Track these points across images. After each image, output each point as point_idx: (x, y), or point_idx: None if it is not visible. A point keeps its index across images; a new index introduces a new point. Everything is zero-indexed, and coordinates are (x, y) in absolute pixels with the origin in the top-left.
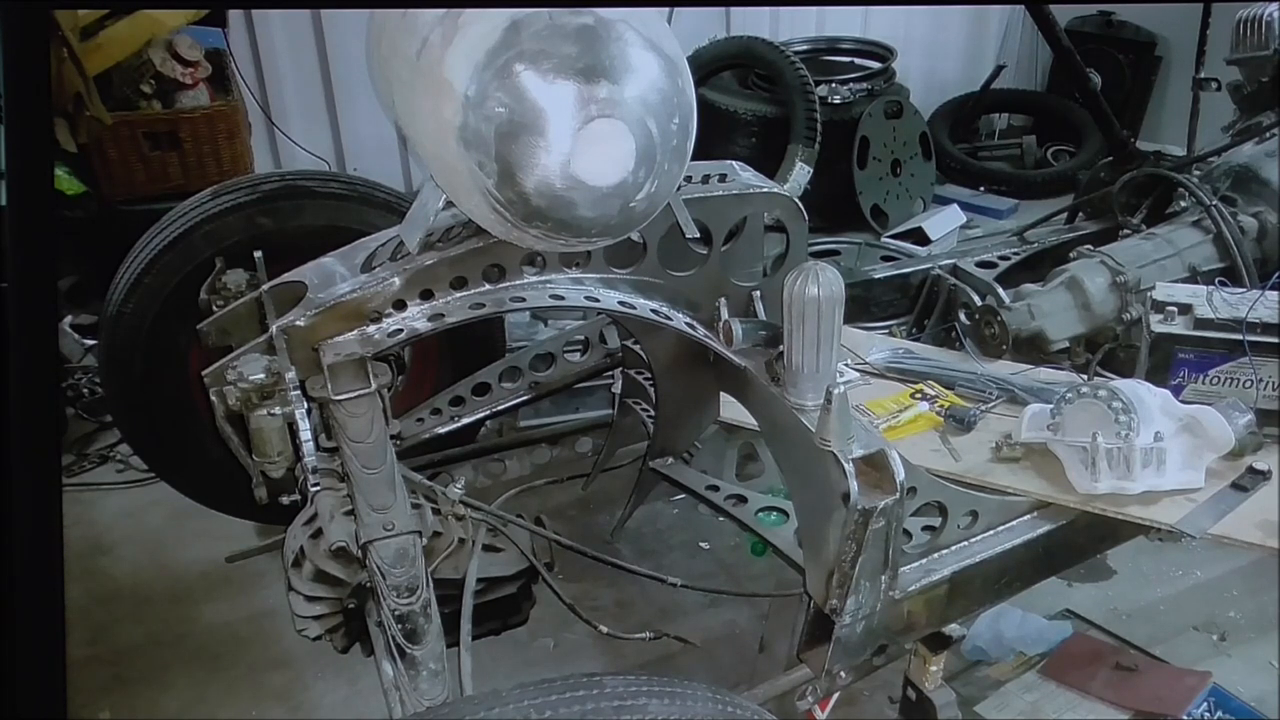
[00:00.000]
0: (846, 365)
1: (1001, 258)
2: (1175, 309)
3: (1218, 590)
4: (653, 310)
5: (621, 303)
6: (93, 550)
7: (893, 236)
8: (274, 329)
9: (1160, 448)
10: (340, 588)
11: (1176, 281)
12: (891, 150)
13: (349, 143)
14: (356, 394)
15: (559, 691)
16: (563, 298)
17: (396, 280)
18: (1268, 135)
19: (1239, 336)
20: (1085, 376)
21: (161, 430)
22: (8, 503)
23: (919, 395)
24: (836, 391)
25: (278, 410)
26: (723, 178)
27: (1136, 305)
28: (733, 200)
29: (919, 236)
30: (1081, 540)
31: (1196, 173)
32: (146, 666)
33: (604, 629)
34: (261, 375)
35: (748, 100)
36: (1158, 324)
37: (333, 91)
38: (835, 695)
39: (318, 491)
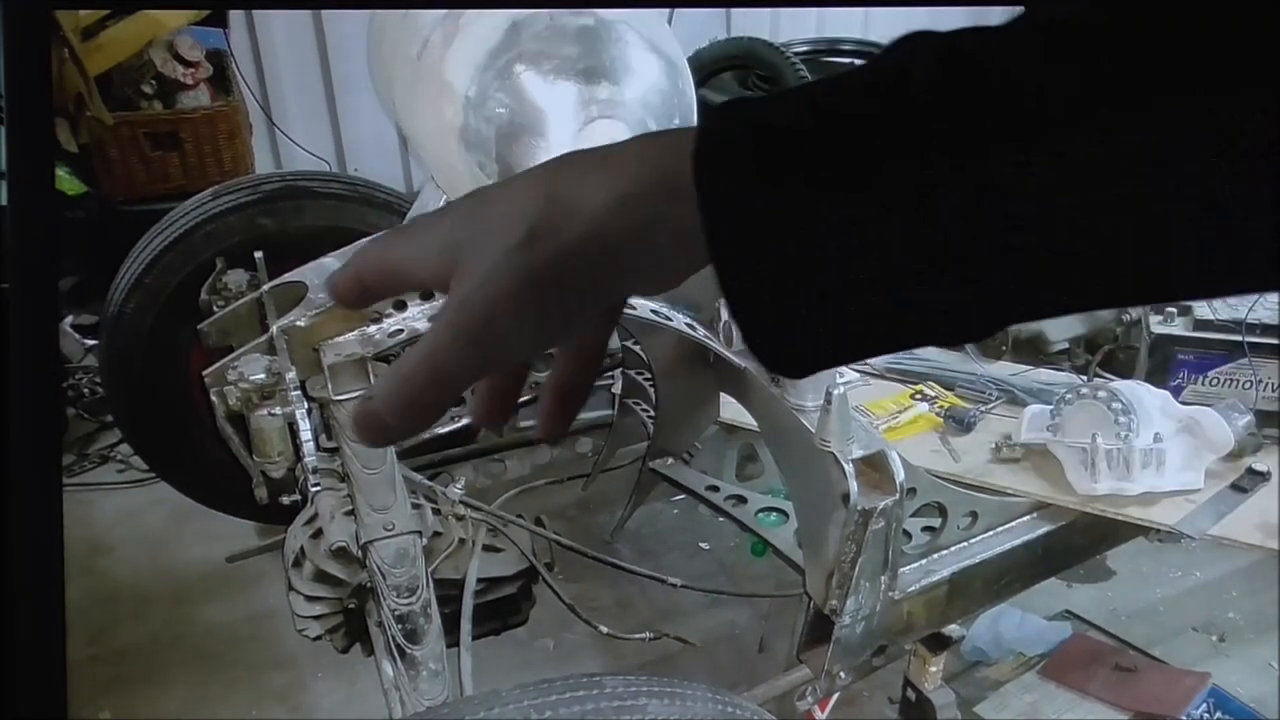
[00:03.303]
0: (847, 365)
1: None
2: (1175, 310)
3: (1217, 591)
4: (653, 311)
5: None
6: (93, 550)
7: None
8: (275, 329)
9: (1160, 449)
10: (340, 588)
11: None
12: None
13: (350, 143)
14: (357, 394)
15: (559, 691)
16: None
17: None
18: None
19: (1239, 338)
20: (1085, 378)
21: (161, 430)
22: (8, 503)
23: (919, 396)
24: (836, 392)
25: (278, 410)
26: None
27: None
28: None
29: None
30: (1081, 541)
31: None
32: (146, 666)
33: (604, 629)
34: (262, 375)
35: None
36: (1157, 325)
37: (333, 92)
38: (835, 696)
39: (318, 491)
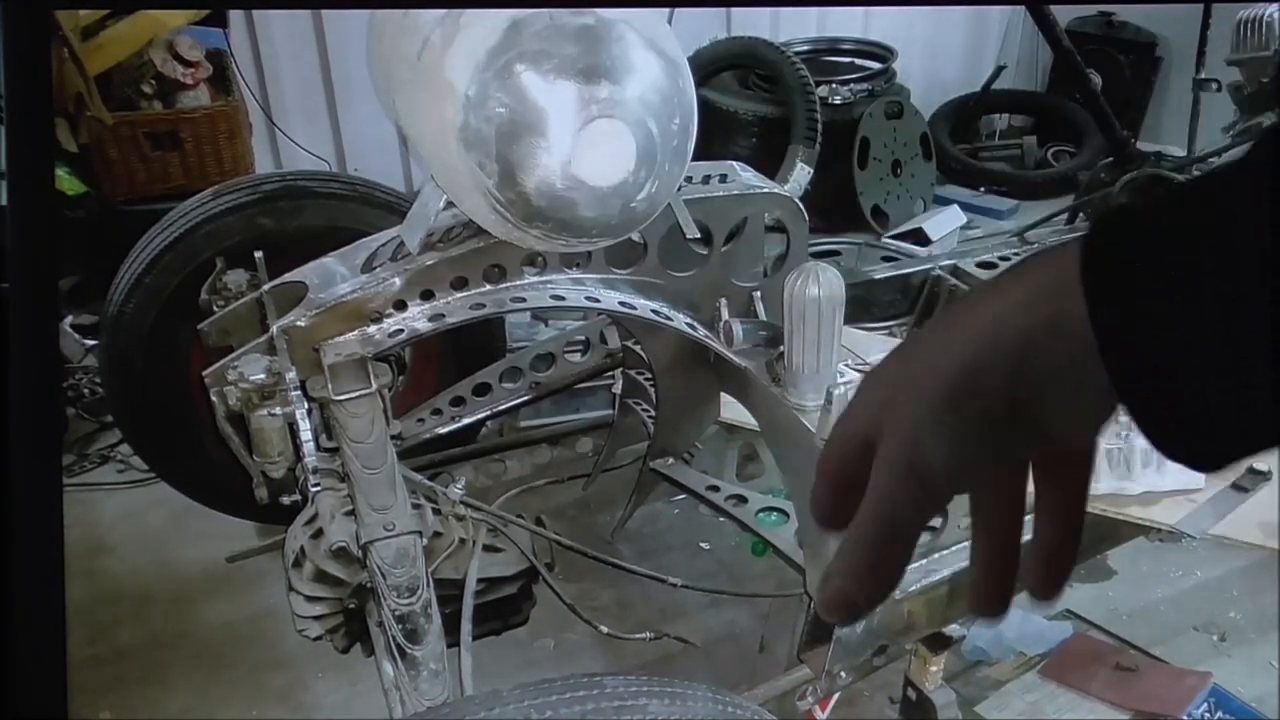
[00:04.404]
0: (847, 366)
1: (1002, 258)
2: None
3: (1218, 591)
4: (653, 311)
5: (622, 303)
6: (93, 550)
7: (893, 237)
8: (275, 329)
9: None
10: (341, 588)
11: None
12: (892, 151)
13: (349, 143)
14: (357, 394)
15: (559, 691)
16: (563, 298)
17: (397, 281)
18: None
19: None
20: None
21: (161, 430)
22: (8, 503)
23: None
24: (837, 392)
25: (278, 410)
26: (723, 178)
27: None
28: (733, 201)
29: (919, 237)
30: (1081, 541)
31: (1197, 173)
32: (147, 666)
33: (604, 629)
34: (262, 375)
35: (748, 101)
36: None
37: (333, 91)
38: (835, 695)
39: (318, 492)
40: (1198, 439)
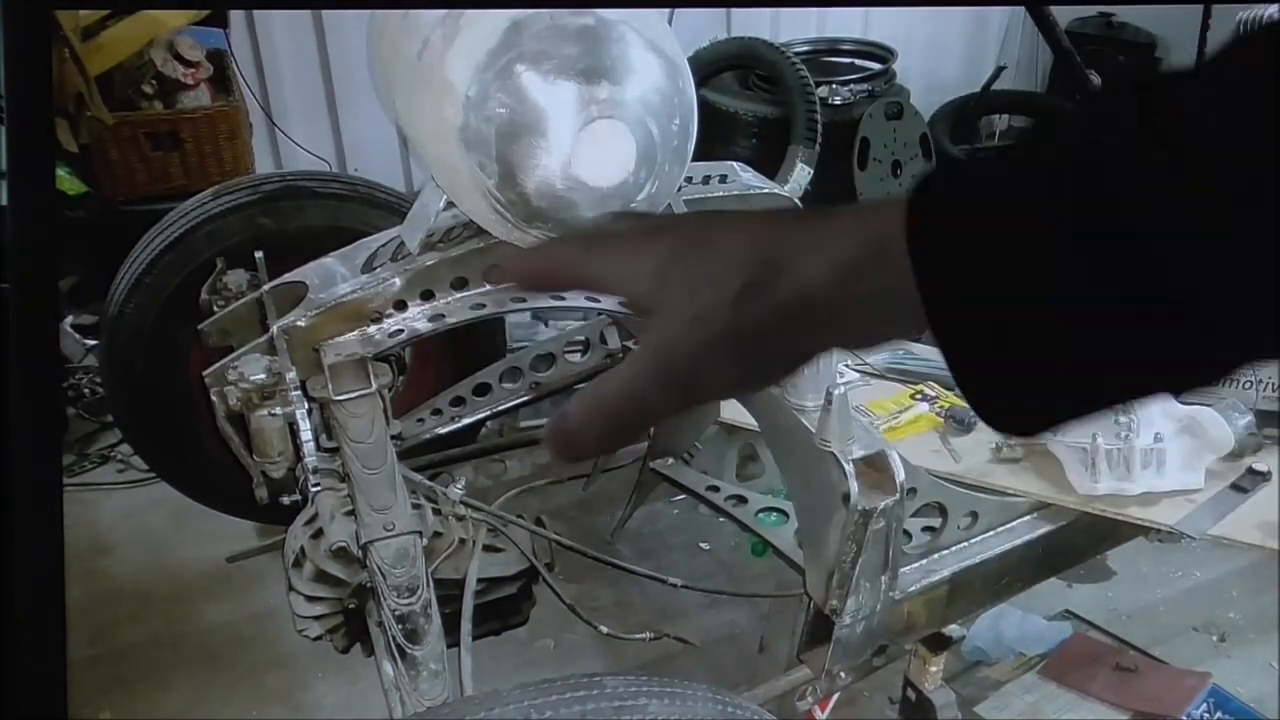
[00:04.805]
0: (847, 366)
1: None
2: None
3: (1217, 591)
4: None
5: (622, 303)
6: (93, 550)
7: None
8: (275, 329)
9: (1160, 449)
10: (341, 588)
11: None
12: (892, 151)
13: (350, 143)
14: (357, 394)
15: (559, 691)
16: (564, 298)
17: (397, 281)
18: None
19: None
20: None
21: (161, 430)
22: (8, 503)
23: (919, 396)
24: (837, 392)
25: (278, 410)
26: (723, 179)
27: None
28: (733, 201)
29: None
30: (1081, 541)
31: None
32: (147, 666)
33: (604, 629)
34: (262, 375)
35: (748, 101)
36: None
37: (334, 92)
38: (835, 696)
39: (318, 491)
40: (1018, 410)
